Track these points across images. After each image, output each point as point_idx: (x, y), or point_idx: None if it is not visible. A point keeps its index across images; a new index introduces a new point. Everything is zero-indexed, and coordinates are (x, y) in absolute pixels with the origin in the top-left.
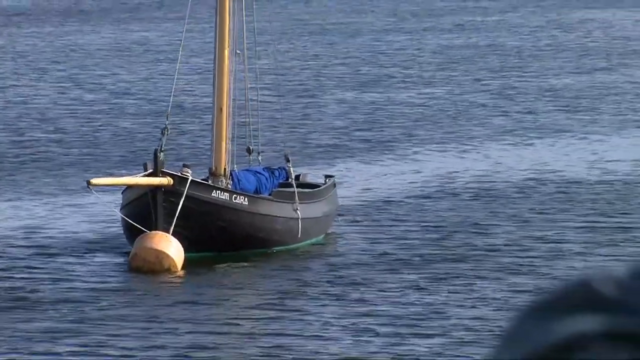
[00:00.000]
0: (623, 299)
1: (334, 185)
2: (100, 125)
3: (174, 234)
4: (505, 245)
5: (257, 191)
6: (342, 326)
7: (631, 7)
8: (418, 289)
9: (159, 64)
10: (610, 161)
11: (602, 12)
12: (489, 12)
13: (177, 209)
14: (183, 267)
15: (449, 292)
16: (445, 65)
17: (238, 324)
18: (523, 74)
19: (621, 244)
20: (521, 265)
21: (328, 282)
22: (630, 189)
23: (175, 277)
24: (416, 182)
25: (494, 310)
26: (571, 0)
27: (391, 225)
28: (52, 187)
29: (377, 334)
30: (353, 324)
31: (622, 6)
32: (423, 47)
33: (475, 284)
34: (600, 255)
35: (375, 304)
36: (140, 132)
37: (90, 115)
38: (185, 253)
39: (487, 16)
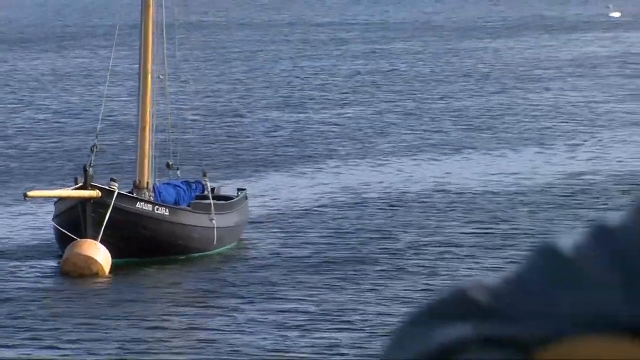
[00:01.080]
0: (494, 306)
1: (246, 197)
2: (38, 142)
3: (101, 242)
4: (407, 248)
5: (176, 203)
6: (259, 321)
7: (518, 37)
8: (326, 287)
9: (93, 87)
10: (505, 174)
11: (493, 41)
12: (394, 41)
13: (104, 219)
14: (110, 272)
15: (355, 291)
16: (357, 88)
17: (163, 320)
18: (428, 96)
19: (509, 248)
20: (420, 266)
21: (243, 282)
22: (519, 199)
23: (103, 280)
24: (329, 193)
25: (397, 306)
26: (466, 31)
27: (302, 232)
28: None
29: (290, 328)
30: (270, 319)
31: (510, 36)
32: (336, 72)
33: (379, 283)
34: (490, 258)
35: (288, 301)
36: (73, 149)
37: (31, 133)
38: (112, 259)
39: (393, 44)
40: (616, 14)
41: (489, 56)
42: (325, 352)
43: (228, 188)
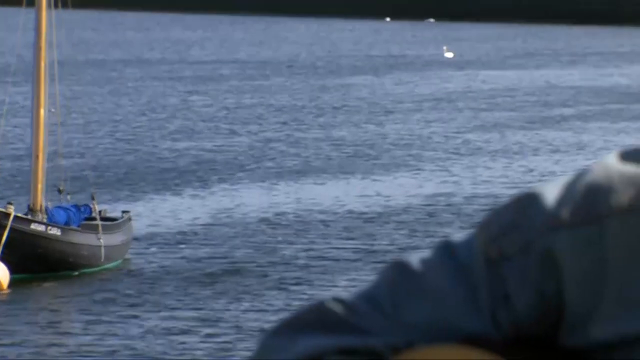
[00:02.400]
0: (351, 318)
1: (130, 219)
2: None
3: (0, 259)
4: (283, 263)
5: (67, 224)
6: (145, 326)
7: (380, 74)
8: (206, 297)
9: None
10: (376, 196)
11: (358, 78)
12: (270, 77)
13: (2, 239)
14: (9, 286)
15: (232, 300)
16: (243, 119)
17: (59, 328)
18: (310, 127)
19: (376, 263)
20: (295, 279)
21: (128, 293)
22: (388, 218)
23: (2, 294)
24: (210, 214)
25: (270, 315)
26: (336, 69)
27: (183, 248)
28: None
29: (175, 333)
30: (154, 325)
31: (373, 73)
32: (221, 105)
33: (258, 293)
34: (360, 271)
35: (171, 309)
36: None
37: None
38: (11, 274)
39: (269, 80)
40: (450, 55)
41: (359, 91)
42: (206, 356)
43: (114, 210)
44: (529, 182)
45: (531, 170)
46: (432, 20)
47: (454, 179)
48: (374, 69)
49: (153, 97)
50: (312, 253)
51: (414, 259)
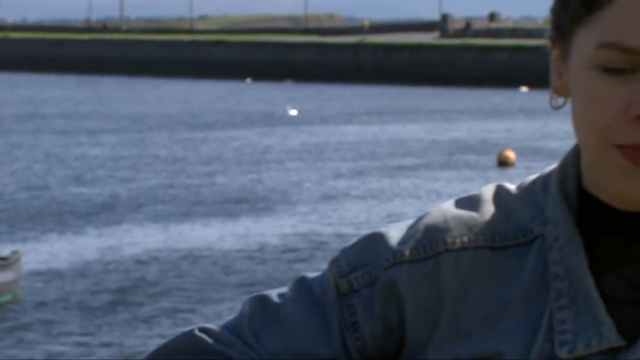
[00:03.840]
0: (216, 346)
1: (19, 257)
2: None
3: None
4: (171, 295)
5: None
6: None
7: (252, 128)
8: (93, 326)
9: None
10: (260, 236)
11: (235, 131)
12: (154, 130)
13: None
14: None
15: (122, 330)
16: (125, 167)
17: None
18: (192, 175)
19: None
20: (182, 308)
21: (18, 325)
22: (271, 256)
23: None
24: (101, 251)
25: (159, 339)
26: (198, 122)
27: (74, 282)
28: None
29: None
30: (45, 350)
31: (248, 128)
32: (96, 156)
33: (148, 321)
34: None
35: (61, 335)
36: None
37: None
38: None
39: (153, 133)
40: (294, 112)
41: (233, 143)
42: None
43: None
44: (380, 223)
45: (386, 212)
46: (289, 81)
47: (323, 220)
48: (244, 124)
49: (49, 148)
50: (197, 286)
51: (273, 293)
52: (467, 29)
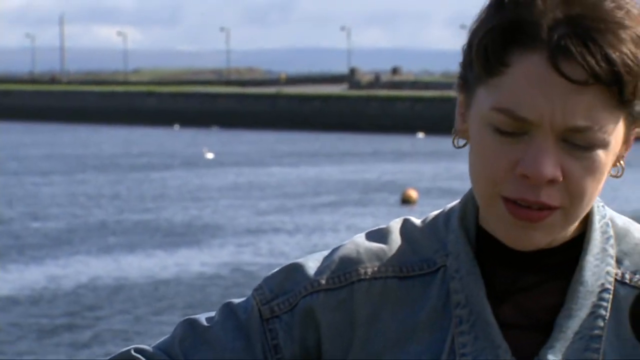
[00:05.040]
0: None
1: None
2: None
3: None
4: (105, 321)
5: None
6: None
7: (182, 169)
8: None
9: None
10: (198, 265)
11: (172, 172)
12: (95, 171)
13: None
14: None
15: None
16: (69, 203)
17: None
18: (135, 211)
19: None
20: (117, 332)
21: None
22: (206, 283)
23: None
24: (46, 281)
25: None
26: (147, 165)
27: (23, 309)
28: None
29: None
30: None
31: (181, 169)
32: (55, 192)
33: (88, 345)
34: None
35: None
36: None
37: None
38: None
39: (96, 173)
40: (210, 156)
41: (171, 182)
42: None
43: None
44: (304, 254)
45: (310, 244)
46: (216, 127)
47: (253, 251)
48: (177, 165)
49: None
50: (139, 310)
51: (202, 317)
52: (377, 81)
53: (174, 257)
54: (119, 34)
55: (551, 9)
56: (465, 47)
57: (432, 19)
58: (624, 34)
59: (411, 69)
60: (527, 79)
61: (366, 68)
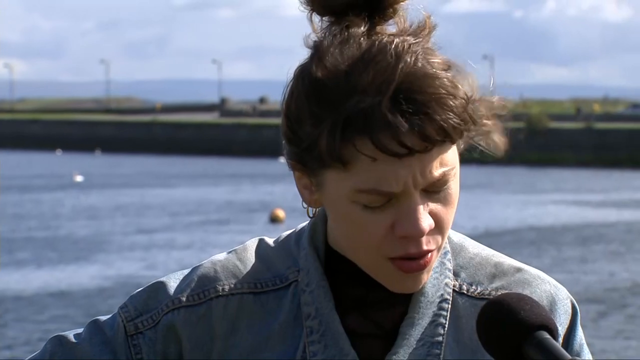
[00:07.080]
0: None
1: None
2: None
3: None
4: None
5: None
6: None
7: (55, 191)
8: None
9: None
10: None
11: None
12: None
13: None
14: None
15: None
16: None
17: None
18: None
19: None
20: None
21: None
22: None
23: None
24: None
25: None
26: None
27: None
28: None
29: None
30: None
31: (57, 190)
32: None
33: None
34: None
35: None
36: None
37: None
38: None
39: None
40: (79, 179)
41: (53, 204)
42: None
43: None
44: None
45: (192, 259)
46: (99, 151)
47: (151, 264)
48: (66, 186)
49: None
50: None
51: (71, 334)
52: (254, 110)
53: (69, 272)
54: (6, 65)
55: (376, 91)
56: (290, 125)
57: (296, 52)
58: (450, 102)
59: (277, 98)
60: (379, 159)
61: (236, 98)
